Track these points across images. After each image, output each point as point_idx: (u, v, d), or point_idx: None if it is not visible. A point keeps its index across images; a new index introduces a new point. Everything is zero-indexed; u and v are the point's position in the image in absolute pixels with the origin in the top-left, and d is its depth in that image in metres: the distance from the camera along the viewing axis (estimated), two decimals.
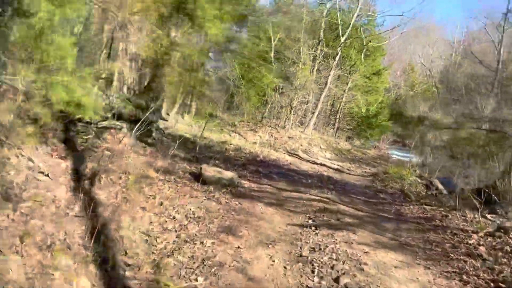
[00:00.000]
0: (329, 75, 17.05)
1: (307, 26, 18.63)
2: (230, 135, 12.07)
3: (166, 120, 8.39)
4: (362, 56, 20.08)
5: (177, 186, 5.33)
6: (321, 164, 10.95)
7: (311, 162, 11.25)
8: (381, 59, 21.55)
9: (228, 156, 8.38)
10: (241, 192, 5.98)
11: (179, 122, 12.59)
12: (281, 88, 18.91)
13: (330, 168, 10.82)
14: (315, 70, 19.51)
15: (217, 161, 7.44)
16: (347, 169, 11.26)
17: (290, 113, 15.95)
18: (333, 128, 20.67)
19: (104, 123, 5.84)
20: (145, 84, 7.27)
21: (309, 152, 14.12)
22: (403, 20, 19.83)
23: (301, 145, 14.92)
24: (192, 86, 7.49)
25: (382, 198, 7.47)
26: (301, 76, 15.74)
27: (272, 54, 19.24)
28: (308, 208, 5.69)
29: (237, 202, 5.34)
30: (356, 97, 19.98)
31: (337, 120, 20.90)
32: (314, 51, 19.58)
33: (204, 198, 5.19)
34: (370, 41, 20.10)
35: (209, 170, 6.03)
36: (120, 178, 4.66)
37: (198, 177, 5.75)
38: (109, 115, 5.88)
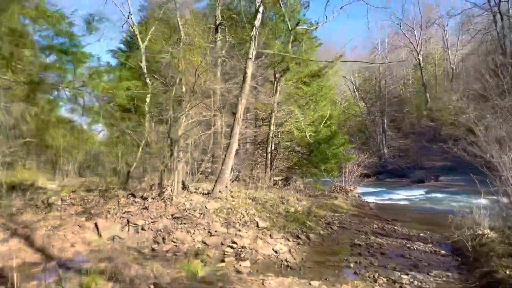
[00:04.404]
0: (248, 58, 8.40)
1: None
2: None
3: None
4: (290, 46, 12.27)
5: None
6: None
7: None
8: (316, 54, 14.15)
9: None
10: None
11: None
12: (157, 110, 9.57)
13: None
14: (218, 72, 10.87)
15: None
16: None
17: (170, 156, 6.53)
18: (265, 171, 11.87)
19: None
20: None
21: (237, 263, 4.77)
22: None
23: (210, 233, 5.52)
24: None
25: None
26: (183, 64, 6.64)
27: (143, 64, 10.05)
28: None
29: None
30: (293, 114, 11.81)
31: (269, 156, 12.23)
32: (212, 41, 11.07)
33: None
34: (298, 24, 12.51)
35: None
36: None
37: None
38: None
